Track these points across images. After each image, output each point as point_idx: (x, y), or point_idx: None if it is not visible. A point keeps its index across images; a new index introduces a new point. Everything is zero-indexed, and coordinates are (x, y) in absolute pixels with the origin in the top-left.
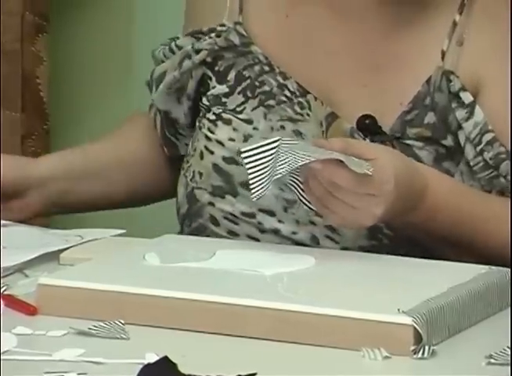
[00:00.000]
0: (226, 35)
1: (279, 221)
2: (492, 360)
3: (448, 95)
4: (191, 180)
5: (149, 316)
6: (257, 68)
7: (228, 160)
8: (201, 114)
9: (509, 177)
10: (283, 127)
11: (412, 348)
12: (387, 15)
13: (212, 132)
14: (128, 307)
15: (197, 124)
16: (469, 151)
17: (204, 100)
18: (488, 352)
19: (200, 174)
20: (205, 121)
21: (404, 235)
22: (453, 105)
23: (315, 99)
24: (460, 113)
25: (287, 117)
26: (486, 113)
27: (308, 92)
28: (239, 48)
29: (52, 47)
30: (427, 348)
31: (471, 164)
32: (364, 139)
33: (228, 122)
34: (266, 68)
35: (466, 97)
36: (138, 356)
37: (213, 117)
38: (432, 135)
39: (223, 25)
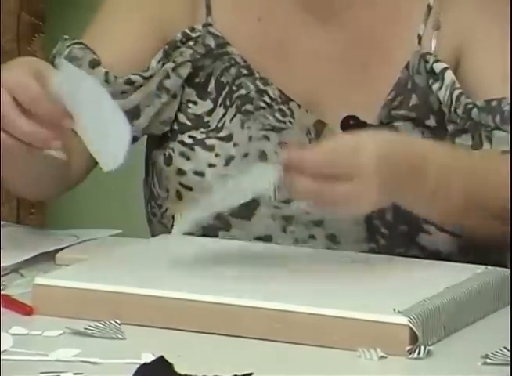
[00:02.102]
0: (202, 40)
1: (277, 244)
2: (488, 360)
3: (426, 75)
4: (172, 226)
5: (145, 316)
6: (233, 70)
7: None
8: (170, 137)
9: (484, 122)
10: (266, 137)
11: (408, 348)
12: (362, 10)
13: (187, 158)
14: (123, 307)
15: (161, 156)
16: (454, 118)
17: (182, 118)
18: (484, 352)
19: None
20: (176, 146)
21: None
22: (430, 81)
23: (299, 106)
24: (436, 86)
25: (270, 125)
26: (470, 80)
27: (291, 100)
28: (214, 51)
29: (48, 47)
30: (422, 348)
31: (457, 128)
32: None
33: (211, 148)
34: (244, 71)
35: (438, 66)
36: (134, 356)
37: (189, 141)
38: (416, 115)
39: (193, 29)
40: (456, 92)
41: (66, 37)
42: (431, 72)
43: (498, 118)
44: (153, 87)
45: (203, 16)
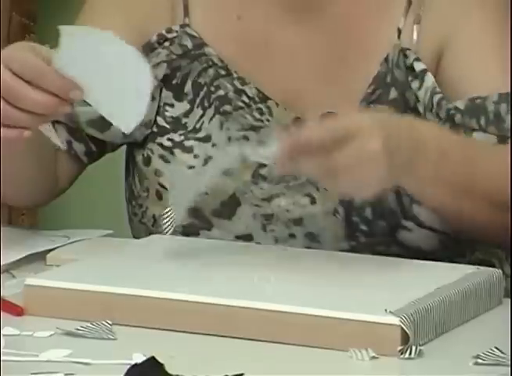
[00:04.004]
0: (179, 41)
1: (257, 243)
2: (480, 360)
3: (405, 71)
4: (153, 226)
5: (136, 316)
6: (211, 72)
7: None
8: (149, 138)
9: (466, 125)
10: (246, 137)
11: (400, 348)
12: (341, 6)
13: (167, 161)
14: (115, 307)
15: (139, 156)
16: (430, 118)
17: (160, 121)
18: (476, 352)
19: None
20: (155, 148)
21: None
22: (409, 78)
23: (277, 105)
24: (414, 84)
25: (248, 125)
26: (452, 73)
27: (269, 98)
28: (192, 52)
29: None
30: (414, 348)
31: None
32: None
33: (189, 150)
34: (222, 72)
35: (419, 66)
36: (126, 357)
37: (168, 144)
38: (396, 109)
39: (170, 30)
40: (437, 97)
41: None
42: (411, 68)
43: (483, 120)
44: None
45: (181, 17)
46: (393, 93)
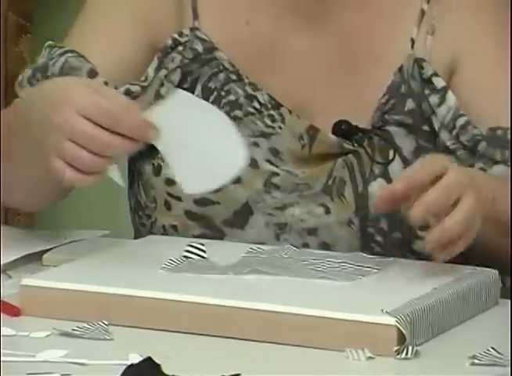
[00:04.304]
0: (190, 45)
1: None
2: (476, 361)
3: (420, 82)
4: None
5: (132, 316)
6: (222, 76)
7: (202, 201)
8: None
9: (489, 156)
10: (256, 144)
11: (396, 348)
12: (352, 12)
13: None
14: (111, 308)
15: (149, 165)
16: (445, 137)
17: None
18: (472, 352)
19: (174, 227)
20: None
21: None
22: (426, 92)
23: (290, 112)
24: (433, 99)
25: (259, 131)
26: (464, 93)
27: (281, 105)
28: (202, 56)
29: (35, 48)
30: (410, 348)
31: (450, 148)
32: (353, 145)
33: None
34: (233, 77)
35: (438, 82)
36: (122, 357)
37: None
38: (413, 121)
39: (182, 34)
40: (462, 120)
41: (51, 43)
42: (428, 81)
43: (506, 152)
44: (151, 96)
45: (190, 20)
46: (410, 104)
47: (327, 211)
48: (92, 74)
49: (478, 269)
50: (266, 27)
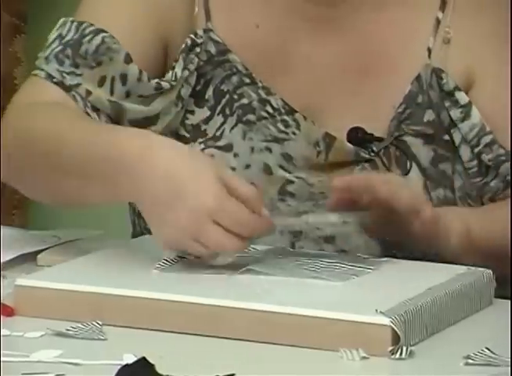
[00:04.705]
0: (205, 47)
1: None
2: (470, 361)
3: (439, 93)
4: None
5: (126, 317)
6: (235, 79)
7: None
8: None
9: (508, 178)
10: (269, 149)
11: (390, 348)
12: (366, 17)
13: None
14: (105, 308)
15: None
16: (464, 153)
17: (182, 131)
18: (466, 352)
19: None
20: None
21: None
22: (446, 104)
23: (305, 118)
24: (455, 113)
25: (272, 136)
26: (479, 110)
27: (296, 111)
28: (215, 58)
29: (29, 48)
30: (404, 348)
31: (466, 166)
32: (369, 154)
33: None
34: (246, 80)
35: (462, 97)
36: (116, 357)
37: None
38: (434, 132)
39: (196, 35)
40: (488, 138)
41: (73, 18)
42: (448, 94)
43: None
44: (174, 95)
45: (203, 21)
46: (429, 115)
47: (344, 221)
48: (128, 59)
49: (472, 269)
50: (277, 31)
